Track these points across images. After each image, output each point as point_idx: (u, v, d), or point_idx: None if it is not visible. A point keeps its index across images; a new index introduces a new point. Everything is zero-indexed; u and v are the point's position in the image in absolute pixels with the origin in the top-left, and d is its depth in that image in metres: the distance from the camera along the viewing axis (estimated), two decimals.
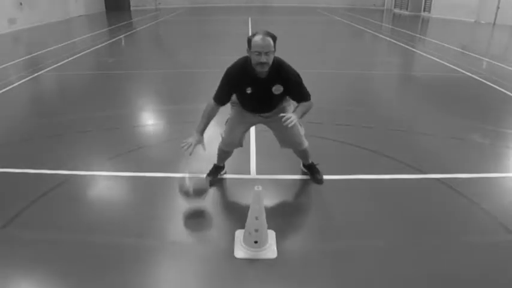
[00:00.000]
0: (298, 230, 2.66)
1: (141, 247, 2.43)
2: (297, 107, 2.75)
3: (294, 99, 2.81)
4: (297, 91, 2.75)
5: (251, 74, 2.62)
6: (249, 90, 2.70)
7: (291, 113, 2.60)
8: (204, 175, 2.90)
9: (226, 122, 3.01)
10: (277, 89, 2.69)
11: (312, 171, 3.22)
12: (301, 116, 2.71)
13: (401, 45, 10.73)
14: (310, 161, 3.20)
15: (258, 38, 2.49)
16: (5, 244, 2.47)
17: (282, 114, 2.56)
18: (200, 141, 2.72)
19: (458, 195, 3.03)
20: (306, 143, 3.02)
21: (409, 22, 17.96)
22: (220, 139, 3.03)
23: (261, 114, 2.91)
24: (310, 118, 2.98)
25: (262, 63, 2.50)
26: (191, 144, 2.66)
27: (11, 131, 4.41)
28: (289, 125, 2.48)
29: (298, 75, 2.71)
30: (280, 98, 2.80)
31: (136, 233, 2.58)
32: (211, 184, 3.11)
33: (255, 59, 2.52)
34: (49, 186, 3.10)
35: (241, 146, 3.07)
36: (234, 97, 2.90)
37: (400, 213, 2.82)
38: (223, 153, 3.10)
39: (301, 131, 2.97)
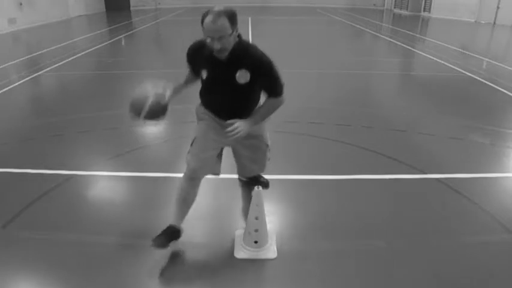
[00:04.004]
0: (298, 230, 2.66)
1: (141, 247, 2.43)
2: (261, 106, 2.31)
3: (263, 90, 2.28)
4: (267, 81, 2.21)
5: (209, 54, 2.14)
6: (204, 74, 2.26)
7: (240, 121, 2.17)
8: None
9: (192, 142, 2.38)
10: (243, 76, 2.14)
11: (256, 180, 2.81)
12: (261, 120, 2.27)
13: (402, 45, 10.73)
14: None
15: (208, 20, 1.99)
16: (5, 244, 2.47)
17: (230, 124, 2.16)
18: (167, 89, 2.39)
19: (458, 195, 3.03)
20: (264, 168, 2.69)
21: (409, 22, 17.95)
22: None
23: (227, 122, 2.22)
24: (310, 118, 2.96)
25: (217, 50, 2.06)
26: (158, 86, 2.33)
27: (11, 131, 4.41)
28: (232, 137, 2.12)
29: (270, 61, 2.17)
30: (248, 97, 2.28)
31: (136, 233, 2.58)
32: (162, 247, 2.26)
33: (209, 44, 2.06)
34: (49, 186, 3.10)
35: (216, 174, 2.48)
36: (199, 109, 2.53)
37: (400, 213, 2.82)
38: (188, 188, 2.32)
39: (268, 156, 2.59)
